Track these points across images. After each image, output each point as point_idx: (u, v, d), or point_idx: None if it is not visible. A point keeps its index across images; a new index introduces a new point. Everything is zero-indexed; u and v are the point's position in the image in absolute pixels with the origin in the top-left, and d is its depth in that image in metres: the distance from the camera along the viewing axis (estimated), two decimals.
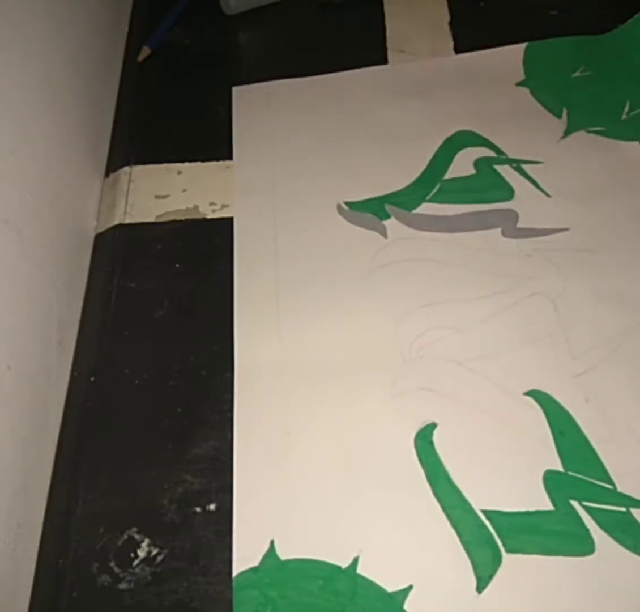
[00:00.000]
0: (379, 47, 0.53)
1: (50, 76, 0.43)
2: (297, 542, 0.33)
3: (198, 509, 0.35)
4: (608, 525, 0.33)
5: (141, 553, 0.34)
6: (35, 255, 0.39)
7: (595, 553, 0.32)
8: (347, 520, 0.34)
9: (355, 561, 0.33)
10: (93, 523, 0.35)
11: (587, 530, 0.33)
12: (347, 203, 0.45)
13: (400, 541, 0.33)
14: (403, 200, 0.45)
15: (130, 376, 0.40)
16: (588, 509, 0.33)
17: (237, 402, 0.38)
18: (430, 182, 0.45)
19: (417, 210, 0.44)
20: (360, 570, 0.33)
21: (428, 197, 0.44)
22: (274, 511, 0.34)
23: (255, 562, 0.33)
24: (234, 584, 0.33)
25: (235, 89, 0.52)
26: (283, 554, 0.33)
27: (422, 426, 0.36)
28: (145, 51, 0.55)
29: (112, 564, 0.34)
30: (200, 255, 0.44)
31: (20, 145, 0.38)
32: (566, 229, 0.42)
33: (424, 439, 0.36)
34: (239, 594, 0.32)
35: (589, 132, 0.46)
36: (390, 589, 0.32)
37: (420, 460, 0.35)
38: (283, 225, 0.44)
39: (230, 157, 0.48)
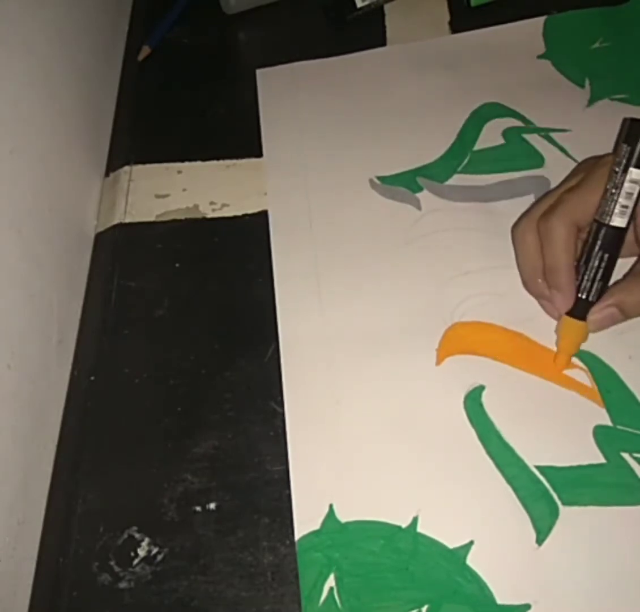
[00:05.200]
0: (380, 47, 0.53)
1: (50, 75, 0.43)
2: (355, 504, 0.34)
3: (198, 508, 0.35)
4: None
5: (141, 552, 0.34)
6: (35, 254, 0.39)
7: None
8: (402, 482, 0.35)
9: (415, 520, 0.33)
10: (93, 522, 0.35)
11: (639, 480, 0.34)
12: (379, 177, 0.46)
13: (458, 499, 0.34)
14: (434, 173, 0.45)
15: (130, 375, 0.40)
16: (639, 460, 0.34)
17: (285, 375, 0.38)
18: (460, 154, 0.46)
19: (449, 181, 0.45)
20: (420, 529, 0.33)
21: (459, 169, 0.45)
22: (330, 475, 0.35)
23: (316, 526, 0.34)
24: (297, 547, 0.33)
25: (259, 71, 0.53)
26: (342, 516, 0.34)
27: (471, 388, 0.37)
28: (146, 50, 0.55)
29: (112, 563, 0.34)
30: (200, 254, 0.44)
31: (20, 144, 0.38)
32: None
33: (474, 401, 0.36)
34: (302, 556, 0.33)
35: (612, 99, 0.47)
36: (451, 545, 0.33)
37: (471, 421, 0.36)
38: (316, 201, 0.45)
39: (229, 156, 0.48)
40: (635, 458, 0.34)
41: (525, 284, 0.39)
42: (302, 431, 0.37)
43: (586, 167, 0.39)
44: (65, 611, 0.33)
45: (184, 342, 0.41)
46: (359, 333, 0.39)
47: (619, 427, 0.35)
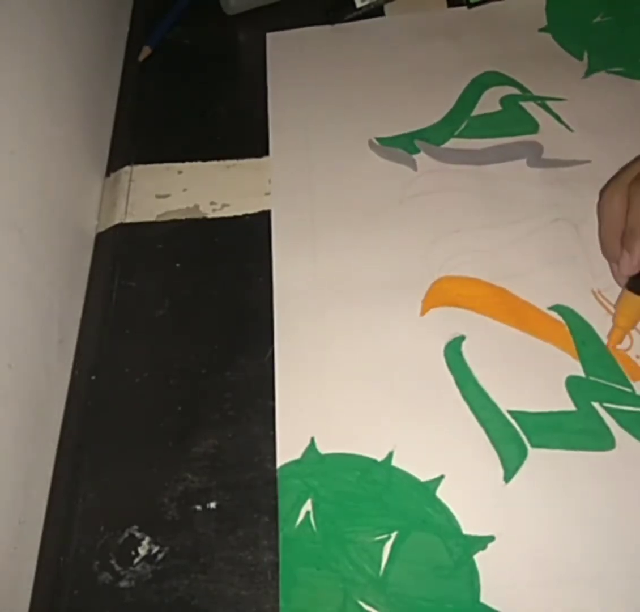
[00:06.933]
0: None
1: (51, 76, 0.43)
2: (335, 438, 0.36)
3: (198, 507, 0.35)
4: (628, 423, 0.35)
5: (142, 551, 0.34)
6: (36, 254, 0.39)
7: (616, 448, 0.34)
8: (381, 419, 0.36)
9: (390, 454, 0.35)
10: (94, 521, 0.36)
11: (607, 428, 0.35)
12: (378, 139, 0.47)
13: (432, 437, 0.36)
14: (432, 136, 0.47)
15: (130, 374, 0.40)
16: (609, 410, 0.35)
17: (277, 319, 0.40)
18: (458, 119, 0.47)
19: (446, 145, 0.46)
20: (394, 462, 0.35)
21: (456, 133, 0.47)
22: (313, 411, 0.37)
23: (297, 456, 0.36)
24: (277, 474, 0.35)
25: (269, 35, 0.55)
26: (323, 448, 0.36)
27: (452, 338, 0.38)
28: (146, 51, 0.55)
29: (113, 562, 0.34)
30: (200, 255, 0.44)
31: (22, 144, 0.38)
32: (588, 161, 0.44)
33: (454, 350, 0.38)
34: (283, 482, 0.35)
35: (609, 72, 0.49)
36: (423, 478, 0.34)
37: (450, 368, 0.37)
38: (317, 159, 0.47)
39: (230, 156, 0.48)
40: (605, 407, 0.35)
41: (602, 244, 0.39)
42: (291, 370, 0.38)
43: None
44: (66, 610, 0.34)
45: (184, 342, 0.41)
46: (349, 283, 0.41)
47: (591, 378, 0.36)
